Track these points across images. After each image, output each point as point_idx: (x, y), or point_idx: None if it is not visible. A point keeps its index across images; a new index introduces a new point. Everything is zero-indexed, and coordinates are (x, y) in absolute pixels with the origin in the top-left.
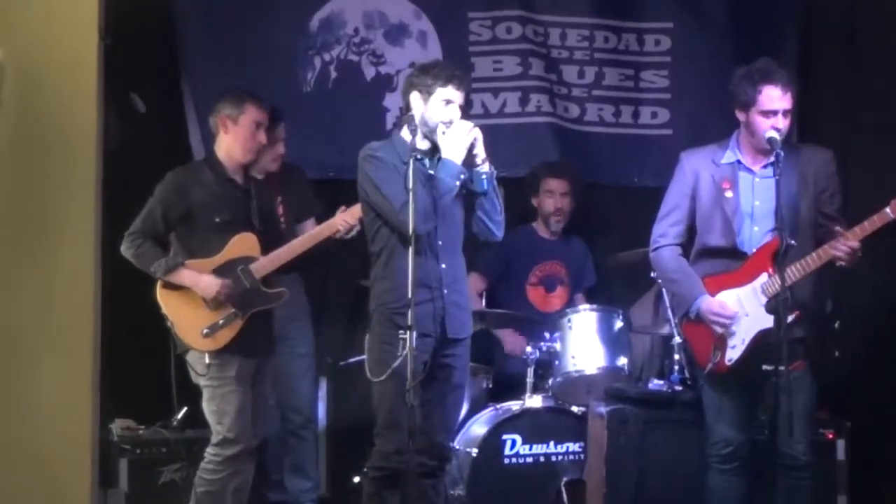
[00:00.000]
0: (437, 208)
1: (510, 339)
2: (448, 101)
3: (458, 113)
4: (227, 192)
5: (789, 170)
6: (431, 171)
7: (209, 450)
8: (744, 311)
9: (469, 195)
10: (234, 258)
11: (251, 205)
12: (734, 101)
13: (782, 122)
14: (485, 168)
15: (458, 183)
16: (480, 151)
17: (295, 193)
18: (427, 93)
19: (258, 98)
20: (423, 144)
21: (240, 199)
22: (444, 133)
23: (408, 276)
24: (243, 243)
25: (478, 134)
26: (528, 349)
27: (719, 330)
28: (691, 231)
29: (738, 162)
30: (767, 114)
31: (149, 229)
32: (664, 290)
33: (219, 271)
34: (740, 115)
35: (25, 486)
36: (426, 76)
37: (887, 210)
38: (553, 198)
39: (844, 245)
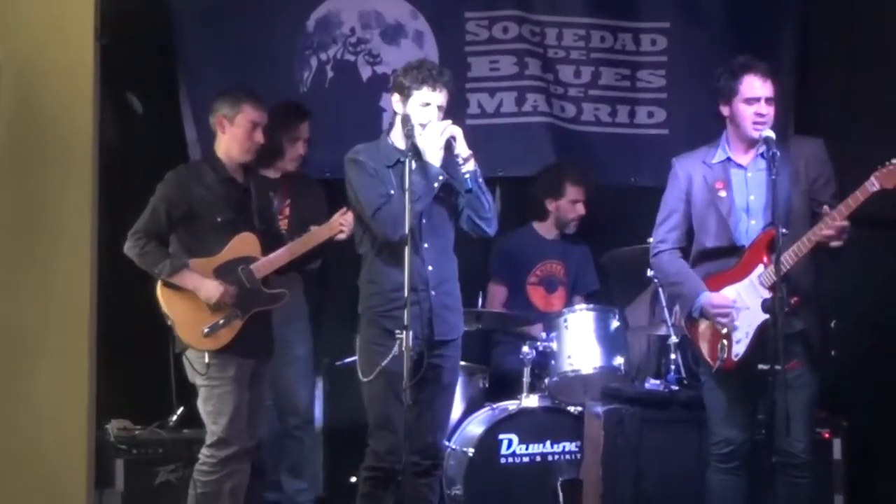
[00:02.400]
0: (416, 211)
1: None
2: (426, 104)
3: (436, 114)
4: (227, 192)
5: (781, 163)
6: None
7: (204, 451)
8: (744, 304)
9: (456, 194)
10: (234, 258)
11: (251, 204)
12: (718, 97)
13: (765, 108)
14: (469, 167)
15: (435, 185)
16: (462, 150)
17: (306, 204)
18: (406, 95)
19: (256, 98)
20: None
21: (240, 199)
22: (420, 135)
23: (392, 279)
24: (244, 243)
25: (455, 132)
26: (525, 349)
27: (723, 321)
28: (691, 234)
29: (729, 159)
30: (750, 101)
31: (153, 228)
32: (665, 292)
33: (219, 271)
34: (724, 110)
35: (22, 486)
36: (405, 78)
37: (868, 184)
38: (578, 205)
39: (832, 223)
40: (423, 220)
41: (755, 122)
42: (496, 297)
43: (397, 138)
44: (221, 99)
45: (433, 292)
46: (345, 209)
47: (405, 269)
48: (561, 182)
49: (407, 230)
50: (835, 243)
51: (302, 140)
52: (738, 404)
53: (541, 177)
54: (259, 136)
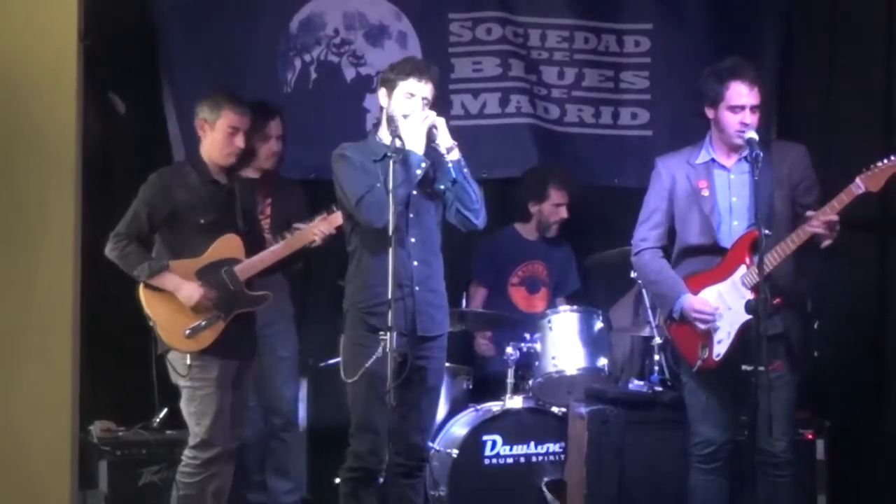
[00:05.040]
0: (399, 199)
1: (481, 342)
2: (410, 94)
3: (420, 105)
4: (211, 194)
5: (764, 167)
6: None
7: (187, 452)
8: (726, 305)
9: (442, 191)
10: (218, 259)
11: (235, 206)
12: (703, 98)
13: (749, 118)
14: (453, 156)
15: (418, 172)
16: (444, 140)
17: (287, 203)
18: (391, 88)
19: (237, 102)
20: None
21: (224, 201)
22: (402, 126)
23: (377, 275)
24: (227, 245)
25: (437, 121)
26: (509, 350)
27: (702, 327)
28: (672, 233)
29: (713, 160)
30: (735, 109)
31: (134, 231)
32: (646, 292)
33: (202, 272)
34: (709, 113)
35: (4, 488)
36: (390, 72)
37: (854, 186)
38: (560, 209)
39: (824, 218)
40: (411, 215)
41: (739, 131)
42: (476, 297)
43: (384, 135)
44: (203, 102)
45: (417, 288)
46: (325, 215)
47: (389, 264)
48: (544, 186)
49: (391, 231)
50: (826, 242)
51: (274, 137)
52: (719, 405)
53: (524, 180)
54: (240, 141)
